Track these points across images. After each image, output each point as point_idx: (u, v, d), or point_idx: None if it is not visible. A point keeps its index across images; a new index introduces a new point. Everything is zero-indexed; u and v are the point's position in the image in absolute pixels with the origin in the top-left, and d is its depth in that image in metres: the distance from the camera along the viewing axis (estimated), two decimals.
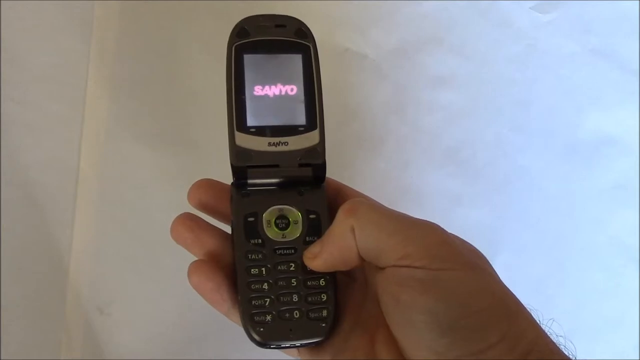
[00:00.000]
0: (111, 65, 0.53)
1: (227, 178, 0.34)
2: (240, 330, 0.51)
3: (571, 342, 0.30)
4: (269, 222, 0.33)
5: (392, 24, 0.56)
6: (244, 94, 0.33)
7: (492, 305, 0.28)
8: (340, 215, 0.31)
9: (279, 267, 0.32)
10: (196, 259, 0.34)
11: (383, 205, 0.31)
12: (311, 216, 0.33)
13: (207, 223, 0.33)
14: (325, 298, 0.32)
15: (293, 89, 0.34)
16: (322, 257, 0.32)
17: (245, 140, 0.33)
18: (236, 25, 0.34)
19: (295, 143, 0.33)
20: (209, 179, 0.34)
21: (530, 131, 0.56)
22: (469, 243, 0.31)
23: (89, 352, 0.50)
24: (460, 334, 0.27)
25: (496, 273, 0.30)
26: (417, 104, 0.56)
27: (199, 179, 0.34)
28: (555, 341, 0.29)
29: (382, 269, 0.30)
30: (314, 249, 0.32)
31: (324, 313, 0.31)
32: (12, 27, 0.52)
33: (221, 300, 0.32)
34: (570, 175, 0.56)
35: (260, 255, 0.32)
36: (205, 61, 0.54)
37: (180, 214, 0.33)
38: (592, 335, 0.54)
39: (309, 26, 0.35)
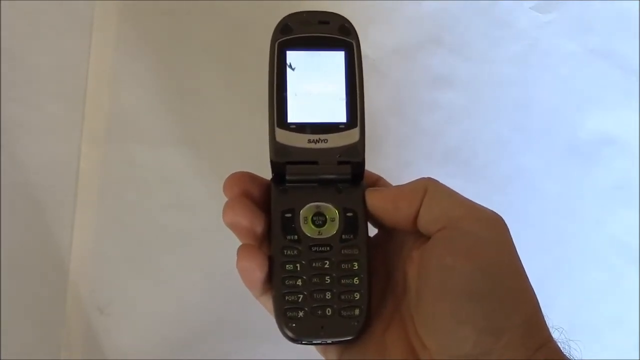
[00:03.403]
0: (111, 65, 0.53)
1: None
2: (240, 330, 0.52)
3: (578, 349, 0.30)
4: (305, 218, 0.33)
5: (392, 24, 0.56)
6: (285, 90, 0.33)
7: (522, 288, 0.30)
8: (417, 179, 0.32)
9: (314, 264, 0.32)
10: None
11: None
12: (348, 214, 0.33)
13: (256, 207, 0.33)
14: (358, 297, 0.32)
15: (335, 86, 0.34)
16: (384, 193, 0.33)
17: (285, 137, 0.33)
18: (280, 22, 0.34)
19: (335, 140, 0.33)
20: (245, 171, 0.34)
21: (530, 131, 0.56)
22: None
23: (89, 352, 0.50)
24: (488, 305, 0.28)
25: None
26: (417, 104, 0.56)
27: (232, 172, 0.34)
28: (562, 348, 0.30)
29: (429, 237, 0.31)
30: (379, 188, 0.34)
31: (356, 312, 0.31)
32: (12, 27, 0.52)
33: (263, 289, 0.32)
34: (570, 175, 0.56)
35: (295, 252, 0.32)
36: (205, 61, 0.54)
37: (231, 200, 0.33)
38: (592, 335, 0.54)
39: None
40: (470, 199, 0.32)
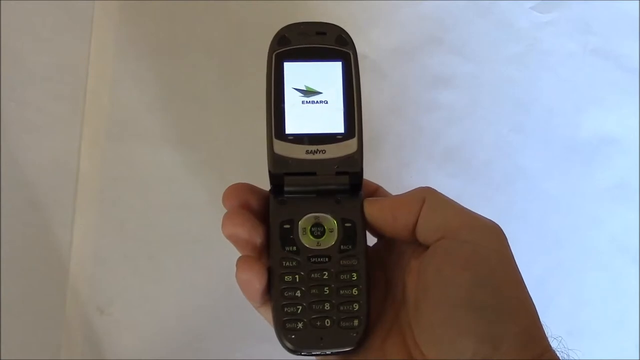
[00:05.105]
0: (111, 65, 0.53)
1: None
2: (240, 330, 0.51)
3: (577, 358, 0.30)
4: (304, 229, 0.33)
5: (392, 24, 0.56)
6: (283, 101, 0.33)
7: (520, 297, 0.30)
8: (416, 188, 0.33)
9: (313, 275, 0.32)
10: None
11: None
12: (347, 225, 0.33)
13: (255, 218, 0.33)
14: (357, 307, 0.32)
15: (332, 97, 0.34)
16: (382, 203, 0.33)
17: (283, 148, 0.33)
18: (277, 33, 0.34)
19: (333, 151, 0.33)
20: (244, 182, 0.34)
21: (530, 131, 0.56)
22: None
23: (89, 352, 0.50)
24: (487, 315, 0.28)
25: None
26: (417, 104, 0.56)
27: (232, 182, 0.34)
28: (561, 357, 0.30)
29: (428, 247, 0.31)
30: (378, 198, 0.34)
31: (355, 322, 0.31)
32: (12, 27, 0.52)
33: (263, 300, 0.32)
34: (570, 175, 0.56)
35: (294, 263, 0.32)
36: (205, 61, 0.54)
37: (230, 211, 0.33)
38: (592, 335, 0.54)
39: None
40: (471, 199, 0.32)
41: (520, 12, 0.57)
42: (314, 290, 0.32)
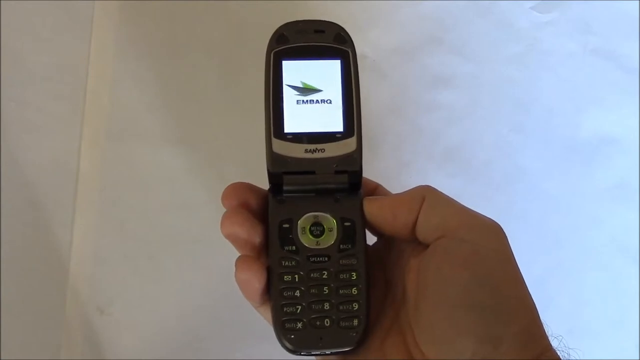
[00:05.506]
0: (111, 65, 0.53)
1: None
2: (240, 330, 0.51)
3: (577, 357, 0.30)
4: (303, 229, 0.33)
5: (392, 24, 0.56)
6: (281, 100, 0.33)
7: (520, 296, 0.29)
8: (415, 187, 0.32)
9: (312, 275, 0.32)
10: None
11: None
12: (346, 224, 0.33)
13: (254, 218, 0.33)
14: (356, 307, 0.31)
15: (331, 95, 0.34)
16: (382, 202, 0.33)
17: (282, 147, 0.33)
18: (275, 32, 0.34)
19: (332, 150, 0.33)
20: (243, 182, 0.34)
21: (530, 131, 0.56)
22: None
23: (89, 352, 0.50)
24: (486, 315, 0.28)
25: None
26: (417, 104, 0.56)
27: (230, 181, 0.34)
28: (561, 356, 0.30)
29: (427, 245, 0.31)
30: (377, 197, 0.34)
31: (355, 322, 0.31)
32: (12, 27, 0.52)
33: (262, 300, 0.32)
34: (570, 175, 0.56)
35: (293, 262, 0.32)
36: (205, 61, 0.54)
37: (230, 211, 0.33)
38: (592, 335, 0.54)
39: None
40: (470, 199, 0.32)
41: (520, 12, 0.57)
42: (313, 290, 0.32)
